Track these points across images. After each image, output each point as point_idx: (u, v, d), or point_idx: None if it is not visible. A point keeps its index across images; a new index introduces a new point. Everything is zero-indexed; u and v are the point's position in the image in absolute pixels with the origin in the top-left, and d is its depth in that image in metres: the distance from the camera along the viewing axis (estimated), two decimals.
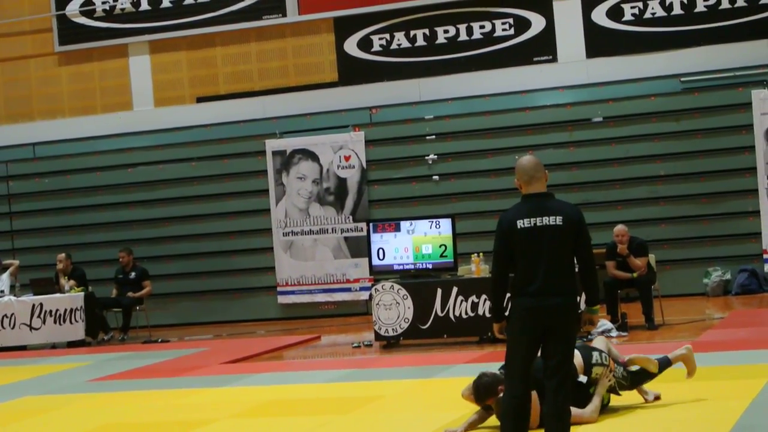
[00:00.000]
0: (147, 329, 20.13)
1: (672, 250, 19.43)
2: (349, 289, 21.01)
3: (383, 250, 16.05)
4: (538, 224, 7.48)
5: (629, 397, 9.83)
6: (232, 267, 21.77)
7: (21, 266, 20.43)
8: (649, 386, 9.90)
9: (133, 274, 19.99)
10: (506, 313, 7.66)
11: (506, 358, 7.66)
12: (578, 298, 7.66)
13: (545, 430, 7.51)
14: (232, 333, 19.88)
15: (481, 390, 9.22)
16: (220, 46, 22.08)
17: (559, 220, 7.50)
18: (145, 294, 19.91)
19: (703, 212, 19.55)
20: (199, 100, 22.21)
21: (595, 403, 9.12)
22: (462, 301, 15.41)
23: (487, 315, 15.19)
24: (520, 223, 7.50)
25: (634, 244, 15.82)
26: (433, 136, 20.79)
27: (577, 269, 7.62)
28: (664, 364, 9.84)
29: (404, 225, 16.05)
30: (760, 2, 19.48)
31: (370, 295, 16.13)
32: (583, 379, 9.24)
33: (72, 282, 19.47)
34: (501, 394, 9.01)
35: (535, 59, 20.47)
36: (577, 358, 9.05)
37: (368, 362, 14.71)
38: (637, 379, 9.72)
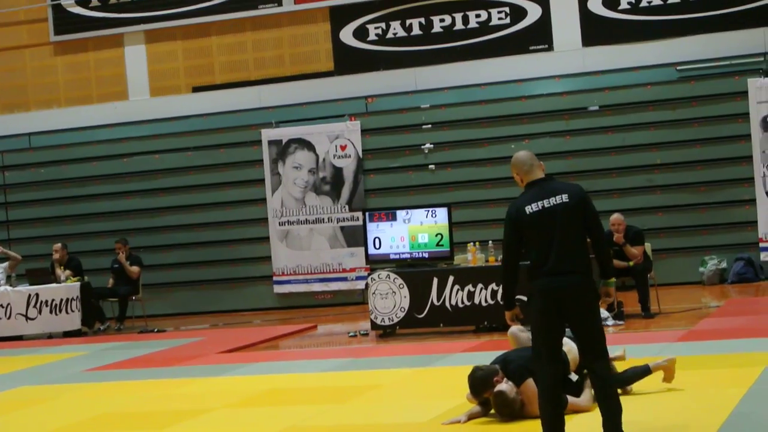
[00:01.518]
0: (143, 319, 20.12)
1: (668, 239, 19.43)
2: (345, 279, 21.01)
3: (379, 239, 16.04)
4: (546, 206, 7.61)
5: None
6: (229, 257, 21.76)
7: None
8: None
9: (128, 263, 19.94)
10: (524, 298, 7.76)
11: (532, 341, 7.76)
12: (593, 275, 7.71)
13: (602, 416, 7.61)
14: (229, 323, 19.87)
15: (477, 384, 9.22)
16: (216, 36, 22.05)
17: (565, 197, 7.65)
18: (133, 274, 19.68)
19: (699, 201, 19.55)
20: (195, 89, 22.18)
21: (588, 393, 9.12)
22: (458, 290, 15.40)
23: (484, 304, 15.22)
24: (528, 209, 7.63)
25: (630, 232, 15.81)
26: (429, 126, 20.78)
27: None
28: (642, 372, 9.74)
29: (400, 214, 16.03)
30: None
31: (367, 285, 16.13)
32: (573, 377, 9.27)
33: (68, 272, 19.44)
34: (497, 387, 9.03)
35: (531, 48, 20.45)
36: (573, 353, 9.04)
37: (364, 351, 14.71)
38: None
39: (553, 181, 7.83)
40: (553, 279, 7.52)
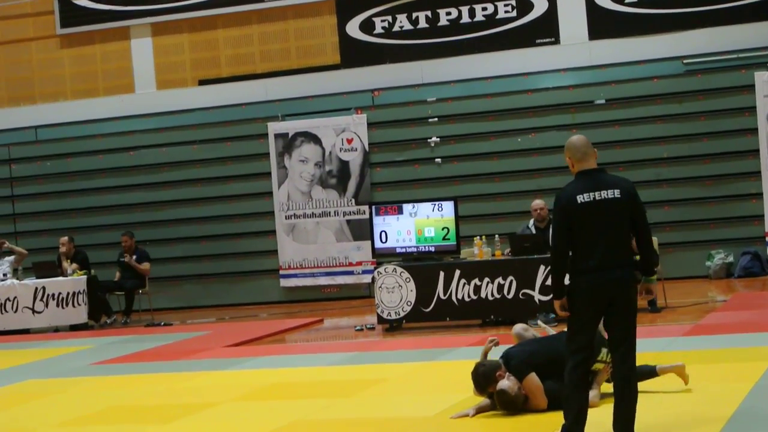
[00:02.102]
0: (149, 312, 20.14)
1: (675, 233, 19.41)
2: (351, 272, 21.01)
3: (386, 232, 16.03)
4: (597, 198, 7.60)
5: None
6: (235, 250, 21.77)
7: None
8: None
9: (135, 257, 19.95)
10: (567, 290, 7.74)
11: (569, 332, 7.74)
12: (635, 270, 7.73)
13: (615, 395, 7.63)
14: (235, 316, 19.88)
15: (480, 380, 9.23)
16: (222, 29, 22.05)
17: (617, 193, 7.64)
18: (143, 271, 19.76)
19: (706, 195, 19.52)
20: (201, 82, 22.18)
21: (596, 390, 9.11)
22: (465, 284, 15.40)
23: (490, 298, 15.21)
24: (579, 198, 7.59)
25: None
26: (436, 119, 20.77)
27: (634, 241, 7.73)
28: (647, 373, 9.68)
29: (407, 208, 16.02)
30: None
31: (373, 278, 16.13)
32: None
33: (75, 265, 19.45)
34: (499, 384, 9.03)
35: (538, 41, 20.43)
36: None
37: (371, 345, 14.72)
38: None
39: (606, 174, 7.80)
40: (602, 274, 7.52)
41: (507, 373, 9.11)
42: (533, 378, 8.97)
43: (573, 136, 7.92)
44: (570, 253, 7.65)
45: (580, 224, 7.56)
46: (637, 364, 7.91)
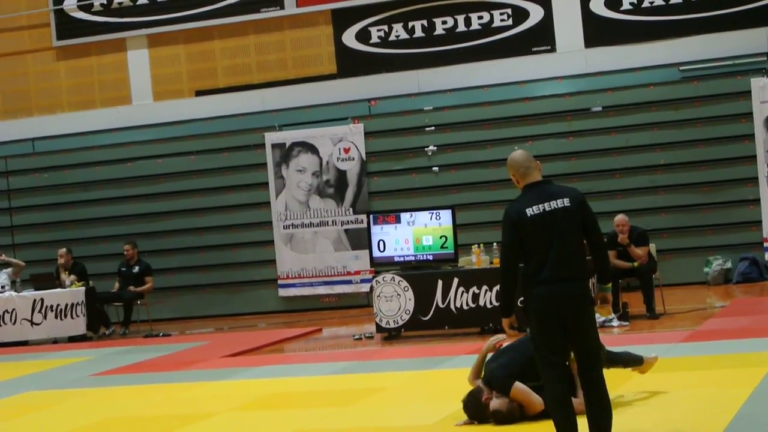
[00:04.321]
0: (148, 323, 20.14)
1: (672, 239, 19.42)
2: (349, 282, 21.01)
3: (384, 241, 16.04)
4: (547, 209, 7.46)
5: (629, 386, 9.84)
6: (233, 260, 21.77)
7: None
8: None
9: (136, 268, 19.94)
10: (520, 306, 7.65)
11: (534, 349, 7.61)
12: (590, 281, 7.65)
13: (589, 420, 7.48)
14: (233, 326, 19.88)
15: (473, 412, 9.33)
16: (219, 39, 22.07)
17: (566, 201, 7.50)
18: (146, 290, 19.88)
19: (703, 201, 19.53)
20: (198, 93, 22.20)
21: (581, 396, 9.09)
22: (463, 292, 15.41)
23: (488, 306, 15.22)
24: (529, 211, 7.47)
25: (634, 233, 15.79)
26: (433, 128, 20.78)
27: (587, 249, 7.63)
28: (634, 361, 9.75)
29: (404, 216, 16.03)
30: None
31: (371, 287, 16.13)
32: None
33: (73, 277, 19.45)
34: (491, 406, 9.05)
35: (534, 49, 20.45)
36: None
37: (369, 354, 14.72)
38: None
39: (552, 185, 7.64)
40: (554, 287, 7.39)
41: (492, 393, 9.15)
42: (518, 387, 9.03)
43: (514, 152, 7.75)
44: (522, 266, 7.54)
45: (531, 237, 7.44)
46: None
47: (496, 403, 9.09)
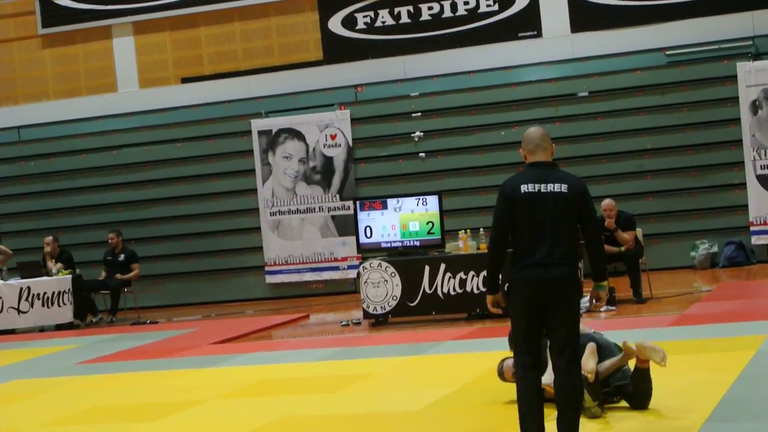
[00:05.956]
0: (135, 311, 20.11)
1: (659, 224, 19.45)
2: (337, 268, 21.00)
3: (370, 228, 16.03)
4: (542, 190, 7.30)
5: None
6: (220, 247, 21.75)
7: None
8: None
9: (122, 256, 19.90)
10: (505, 287, 7.52)
11: (512, 333, 7.51)
12: (579, 269, 7.53)
13: (557, 406, 7.35)
14: (221, 313, 19.87)
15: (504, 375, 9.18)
16: (204, 26, 22.01)
17: (564, 187, 7.33)
18: (133, 277, 19.84)
19: (689, 185, 19.56)
20: (184, 80, 22.14)
21: (606, 365, 8.70)
22: (450, 277, 15.41)
23: (475, 291, 15.21)
24: (524, 188, 7.31)
25: (621, 218, 15.80)
26: (419, 114, 20.77)
27: (583, 243, 7.51)
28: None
29: (391, 202, 16.03)
30: None
31: (358, 274, 16.13)
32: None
33: (59, 265, 19.39)
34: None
35: (520, 35, 20.44)
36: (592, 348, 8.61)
37: (357, 340, 14.71)
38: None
39: (556, 169, 7.44)
40: (542, 270, 7.24)
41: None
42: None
43: (531, 128, 7.62)
44: (511, 249, 7.40)
45: (521, 215, 7.29)
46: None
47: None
